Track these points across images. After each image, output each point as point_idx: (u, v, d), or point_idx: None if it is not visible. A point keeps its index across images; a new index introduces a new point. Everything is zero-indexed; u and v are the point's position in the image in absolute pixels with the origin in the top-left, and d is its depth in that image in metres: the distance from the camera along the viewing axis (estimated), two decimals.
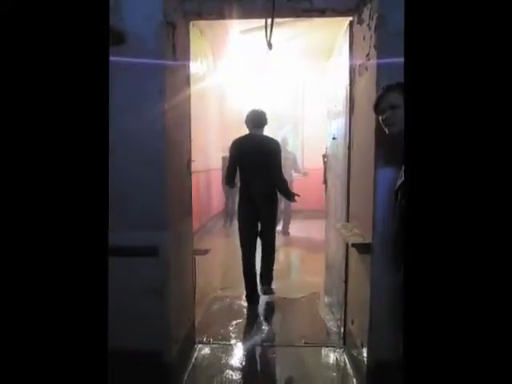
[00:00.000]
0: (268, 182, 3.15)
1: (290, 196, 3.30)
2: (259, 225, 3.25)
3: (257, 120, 3.21)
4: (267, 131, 3.42)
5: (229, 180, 3.33)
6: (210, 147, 5.97)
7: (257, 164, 3.13)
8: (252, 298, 3.24)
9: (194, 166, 4.71)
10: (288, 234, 6.06)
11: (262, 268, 3.35)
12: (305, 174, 6.10)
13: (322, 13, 2.10)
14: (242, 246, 3.27)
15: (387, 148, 1.76)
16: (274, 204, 3.24)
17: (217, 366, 2.33)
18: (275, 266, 3.50)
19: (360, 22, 2.07)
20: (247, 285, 3.25)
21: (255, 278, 3.27)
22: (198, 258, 2.55)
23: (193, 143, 2.55)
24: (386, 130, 1.56)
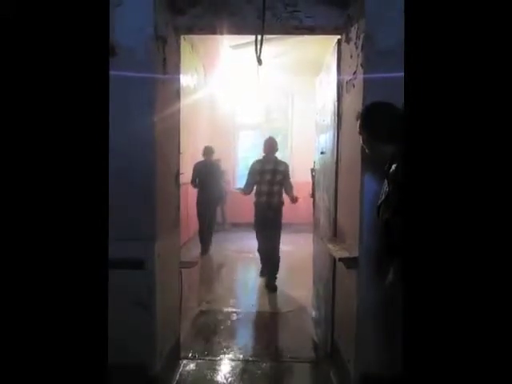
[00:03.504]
0: (214, 187, 5.49)
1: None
2: (209, 207, 5.56)
3: (209, 151, 5.54)
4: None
5: (194, 185, 5.45)
6: (200, 159, 5.96)
7: (208, 177, 5.40)
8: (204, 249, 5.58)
9: (184, 178, 4.72)
10: (275, 287, 4.03)
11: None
12: (294, 199, 4.14)
13: (311, 30, 2.16)
14: (199, 219, 5.54)
15: (372, 164, 1.79)
16: (217, 199, 5.80)
17: (202, 382, 2.29)
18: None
19: (348, 40, 2.12)
20: (201, 240, 5.61)
21: (211, 235, 5.74)
22: (184, 270, 2.52)
23: (183, 155, 2.55)
24: (366, 149, 1.64)
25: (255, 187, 4.17)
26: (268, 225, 4.11)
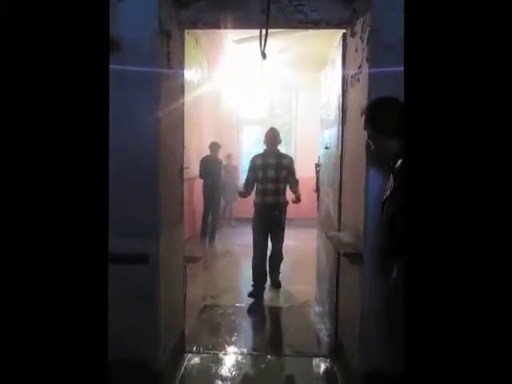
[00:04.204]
0: (216, 181, 5.92)
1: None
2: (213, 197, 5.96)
3: (214, 146, 5.96)
4: None
5: (201, 176, 5.83)
6: (204, 153, 6.02)
7: (213, 170, 5.82)
8: None
9: (189, 173, 4.74)
10: (279, 283, 3.91)
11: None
12: (298, 198, 3.79)
13: (316, 24, 2.14)
14: (205, 205, 5.98)
15: (377, 160, 1.78)
16: (219, 193, 6.16)
17: (207, 376, 2.30)
18: None
19: (353, 34, 2.11)
20: (202, 227, 6.06)
21: (215, 229, 6.12)
22: (188, 265, 2.53)
23: (187, 150, 2.55)
24: (371, 145, 1.63)
25: (257, 185, 3.68)
26: (273, 228, 3.70)
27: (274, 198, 3.63)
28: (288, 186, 3.73)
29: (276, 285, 3.89)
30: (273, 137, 3.69)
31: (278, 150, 3.77)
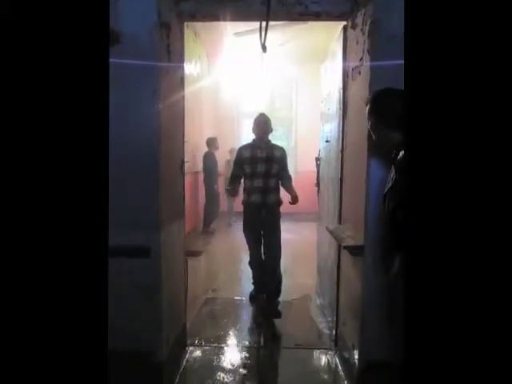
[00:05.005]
0: (213, 175, 6.22)
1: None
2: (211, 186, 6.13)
3: (212, 142, 6.12)
4: None
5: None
6: (204, 147, 6.03)
7: (211, 166, 6.09)
8: None
9: (192, 167, 4.72)
10: (278, 313, 3.04)
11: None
12: (295, 198, 3.13)
13: (316, 16, 2.12)
14: (206, 199, 6.20)
15: (378, 152, 1.78)
16: (213, 185, 6.19)
17: (208, 368, 2.32)
18: None
19: (354, 26, 2.09)
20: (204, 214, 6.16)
21: (214, 212, 6.41)
22: (189, 259, 2.53)
23: (186, 144, 2.55)
24: (373, 136, 1.62)
25: (245, 182, 3.13)
26: (264, 230, 3.12)
27: (262, 196, 3.04)
28: (280, 184, 3.15)
29: (275, 315, 3.04)
30: (263, 123, 3.07)
31: (270, 140, 3.16)
